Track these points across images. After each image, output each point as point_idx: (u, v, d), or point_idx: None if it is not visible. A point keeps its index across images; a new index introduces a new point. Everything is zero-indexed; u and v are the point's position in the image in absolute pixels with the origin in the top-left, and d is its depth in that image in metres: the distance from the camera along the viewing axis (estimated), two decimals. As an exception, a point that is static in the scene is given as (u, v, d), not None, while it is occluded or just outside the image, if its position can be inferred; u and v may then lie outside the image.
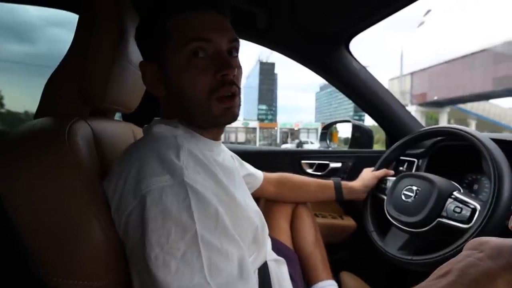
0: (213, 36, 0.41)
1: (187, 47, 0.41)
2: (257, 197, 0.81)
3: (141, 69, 0.46)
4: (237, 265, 0.34)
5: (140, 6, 0.55)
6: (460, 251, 0.58)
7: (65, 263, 0.36)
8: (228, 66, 0.41)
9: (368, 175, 0.90)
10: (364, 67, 1.06)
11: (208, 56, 0.42)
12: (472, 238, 0.57)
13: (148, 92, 0.63)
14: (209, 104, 0.42)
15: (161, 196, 0.35)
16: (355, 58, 1.03)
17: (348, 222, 1.11)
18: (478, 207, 0.61)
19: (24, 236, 0.36)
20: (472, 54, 11.92)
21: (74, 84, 0.47)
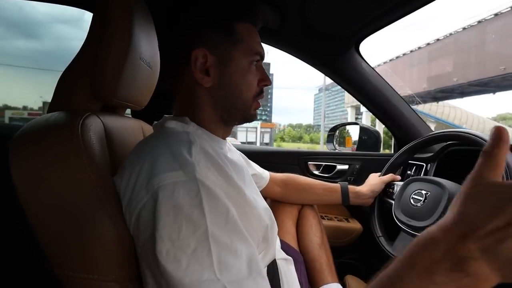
0: (264, 54, 0.52)
1: (252, 57, 0.49)
2: (263, 197, 0.81)
3: (193, 55, 0.46)
4: (246, 262, 0.34)
5: (154, 3, 0.55)
6: None
7: (76, 257, 0.36)
8: (269, 79, 0.52)
9: (375, 180, 0.89)
10: (374, 69, 1.05)
11: (258, 67, 0.51)
12: None
13: (158, 89, 0.64)
14: (251, 104, 0.51)
15: (173, 191, 0.35)
16: (365, 60, 1.03)
17: (354, 225, 1.10)
18: None
19: (36, 229, 0.36)
20: (411, 51, 11.18)
21: (87, 80, 0.47)
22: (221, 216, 0.36)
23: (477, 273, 0.23)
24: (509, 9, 7.60)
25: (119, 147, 0.49)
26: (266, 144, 28.55)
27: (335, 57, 1.01)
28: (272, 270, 0.55)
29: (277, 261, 0.58)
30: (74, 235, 0.36)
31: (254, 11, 0.50)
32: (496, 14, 8.09)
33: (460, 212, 0.24)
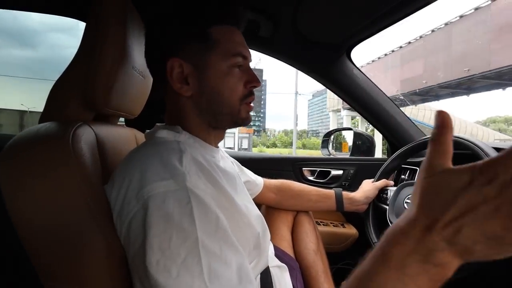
0: (248, 54, 0.50)
1: (232, 60, 0.47)
2: (257, 203, 0.80)
3: (168, 65, 0.46)
4: (235, 271, 0.34)
5: (146, 13, 0.56)
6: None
7: (66, 269, 0.36)
8: (257, 80, 0.49)
9: (368, 186, 0.90)
10: (365, 75, 1.07)
11: (243, 69, 0.49)
12: None
13: (151, 98, 0.64)
14: (239, 108, 0.49)
15: (164, 201, 0.35)
16: (356, 67, 1.04)
17: (350, 230, 1.10)
18: None
19: (24, 239, 0.36)
20: (386, 55, 11.28)
21: (79, 89, 0.47)
22: (211, 225, 0.36)
23: (443, 263, 0.24)
24: (473, 11, 7.83)
25: (112, 156, 0.49)
26: (245, 149, 28.24)
27: (327, 65, 1.03)
28: (265, 278, 0.54)
29: (270, 268, 0.57)
30: (63, 246, 0.36)
31: (229, 12, 0.48)
32: (461, 16, 8.28)
33: (420, 205, 0.25)
